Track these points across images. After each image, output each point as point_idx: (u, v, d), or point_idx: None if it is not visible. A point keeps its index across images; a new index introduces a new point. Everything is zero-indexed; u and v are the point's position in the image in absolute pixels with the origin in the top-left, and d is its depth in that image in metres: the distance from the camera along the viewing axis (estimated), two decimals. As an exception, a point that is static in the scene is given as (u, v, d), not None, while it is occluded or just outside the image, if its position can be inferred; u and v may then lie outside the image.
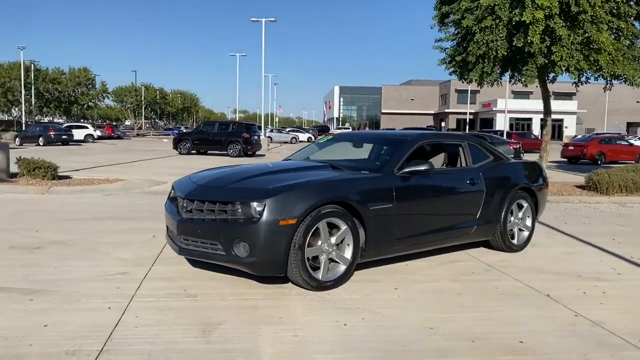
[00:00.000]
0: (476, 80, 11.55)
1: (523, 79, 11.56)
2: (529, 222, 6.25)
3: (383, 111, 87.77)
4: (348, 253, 4.51)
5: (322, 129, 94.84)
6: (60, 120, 65.68)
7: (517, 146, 23.72)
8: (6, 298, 4.01)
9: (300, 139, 51.72)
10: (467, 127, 57.79)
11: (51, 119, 67.95)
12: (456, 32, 11.63)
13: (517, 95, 62.46)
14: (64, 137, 37.02)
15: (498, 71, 11.20)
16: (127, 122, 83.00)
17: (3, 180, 10.97)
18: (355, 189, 4.58)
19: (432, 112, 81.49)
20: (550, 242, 6.62)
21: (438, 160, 6.05)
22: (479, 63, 11.15)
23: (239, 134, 24.90)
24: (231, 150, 24.76)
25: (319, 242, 4.36)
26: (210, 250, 4.34)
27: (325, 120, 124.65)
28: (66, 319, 3.59)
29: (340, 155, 6.04)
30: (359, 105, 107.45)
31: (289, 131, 56.87)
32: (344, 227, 4.44)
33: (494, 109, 58.69)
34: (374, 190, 4.71)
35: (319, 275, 4.35)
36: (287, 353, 3.17)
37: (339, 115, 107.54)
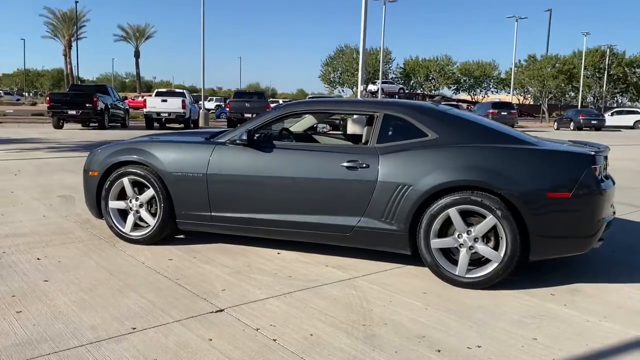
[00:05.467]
0: None
1: None
2: (502, 250, 3.76)
3: None
4: (157, 215, 4.69)
5: None
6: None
7: None
8: None
9: None
10: None
11: (627, 103, 64.82)
12: None
13: None
14: (593, 122, 36.12)
15: None
16: None
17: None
18: (157, 153, 4.65)
19: None
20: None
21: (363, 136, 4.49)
22: None
23: None
24: None
25: (128, 199, 4.81)
26: None
27: None
28: None
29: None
30: None
31: None
32: (150, 188, 4.67)
33: None
34: (182, 157, 4.59)
35: (125, 228, 4.80)
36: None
37: None
